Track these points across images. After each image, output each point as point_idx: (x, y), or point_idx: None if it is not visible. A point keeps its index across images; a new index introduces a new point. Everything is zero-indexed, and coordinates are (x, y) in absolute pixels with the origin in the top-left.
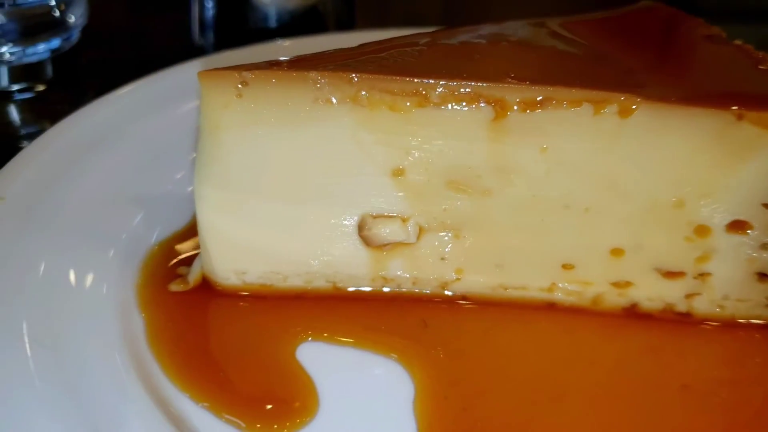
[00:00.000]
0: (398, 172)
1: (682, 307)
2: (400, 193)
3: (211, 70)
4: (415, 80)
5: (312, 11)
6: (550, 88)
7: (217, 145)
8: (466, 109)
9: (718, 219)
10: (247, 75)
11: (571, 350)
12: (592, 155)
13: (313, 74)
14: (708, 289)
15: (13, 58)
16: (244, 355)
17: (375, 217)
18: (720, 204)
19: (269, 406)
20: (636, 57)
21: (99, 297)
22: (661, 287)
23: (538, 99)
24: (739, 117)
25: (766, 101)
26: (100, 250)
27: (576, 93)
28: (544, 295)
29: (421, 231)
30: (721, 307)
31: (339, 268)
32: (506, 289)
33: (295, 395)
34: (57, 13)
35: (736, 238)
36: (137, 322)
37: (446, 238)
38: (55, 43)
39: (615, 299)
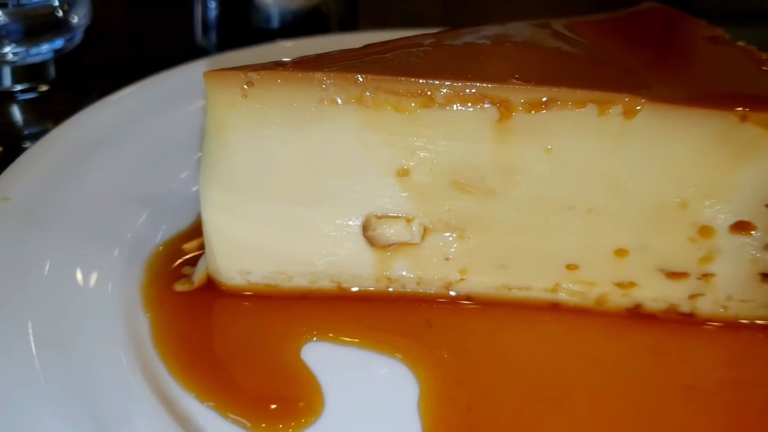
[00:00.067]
0: (403, 173)
1: (685, 307)
2: (405, 194)
3: (216, 70)
4: (420, 81)
5: (315, 12)
6: (554, 89)
7: (222, 145)
8: (471, 109)
9: (722, 220)
10: (253, 75)
11: (575, 350)
12: (596, 156)
13: (318, 75)
14: (711, 289)
15: (16, 58)
16: (249, 354)
17: (379, 218)
18: (724, 205)
19: (274, 406)
20: (640, 58)
21: (104, 296)
22: (665, 288)
23: (543, 100)
24: (743, 118)
25: None
26: (105, 249)
27: (581, 94)
28: (548, 296)
29: (425, 231)
30: (724, 307)
31: (343, 268)
32: (510, 289)
33: (300, 395)
34: (60, 14)
35: (739, 239)
36: (142, 322)
37: (450, 238)
38: (58, 43)
39: (619, 299)
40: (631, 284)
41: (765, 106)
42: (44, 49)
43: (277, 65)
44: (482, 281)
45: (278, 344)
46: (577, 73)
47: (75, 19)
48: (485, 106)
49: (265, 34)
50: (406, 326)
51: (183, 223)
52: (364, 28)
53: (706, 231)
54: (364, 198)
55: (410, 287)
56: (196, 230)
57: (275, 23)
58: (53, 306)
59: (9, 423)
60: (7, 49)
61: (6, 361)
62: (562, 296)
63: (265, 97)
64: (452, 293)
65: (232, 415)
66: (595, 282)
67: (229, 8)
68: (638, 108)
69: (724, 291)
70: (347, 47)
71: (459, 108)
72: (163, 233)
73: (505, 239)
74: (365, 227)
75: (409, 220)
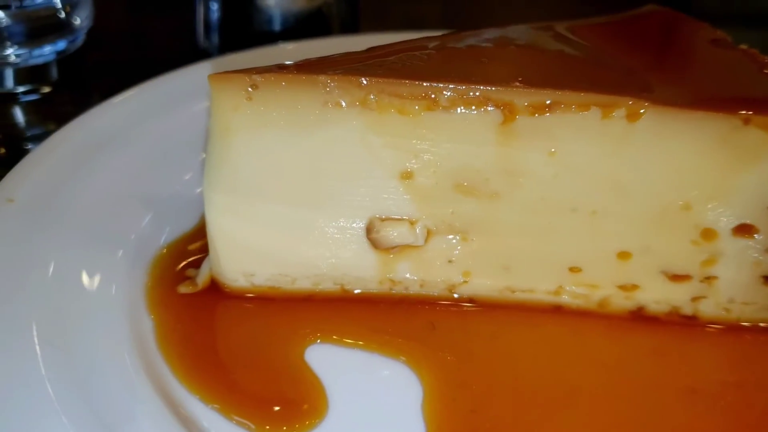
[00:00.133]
0: (407, 175)
1: (688, 310)
2: (408, 196)
3: (221, 73)
4: (424, 84)
5: (316, 14)
6: (558, 92)
7: (226, 147)
8: (474, 112)
9: (725, 222)
10: (257, 78)
11: (577, 352)
12: (599, 159)
13: (322, 78)
14: (714, 292)
15: (19, 60)
16: (253, 356)
17: (383, 220)
18: (726, 207)
19: (278, 408)
20: (642, 61)
21: (108, 298)
22: (668, 290)
23: (547, 103)
24: (746, 121)
25: None
26: (109, 251)
27: (584, 97)
28: (551, 298)
29: (428, 234)
30: (727, 310)
31: (347, 270)
32: (513, 291)
33: (304, 397)
34: (62, 16)
35: (742, 242)
36: (146, 324)
37: (454, 240)
38: (61, 45)
39: (621, 302)
40: (634, 287)
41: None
42: (47, 51)
43: (281, 68)
44: (485, 284)
45: (282, 346)
46: (580, 77)
47: (77, 21)
48: (489, 109)
49: (267, 36)
50: (409, 328)
51: (187, 224)
52: (365, 30)
53: (708, 234)
54: (367, 200)
55: (413, 289)
56: (199, 232)
57: (277, 25)
58: (57, 307)
59: (13, 424)
60: (9, 51)
61: (10, 362)
62: (565, 299)
63: (270, 100)
64: (455, 295)
65: (236, 417)
66: (598, 284)
67: (231, 10)
68: (641, 111)
69: (727, 294)
70: (349, 49)
71: (463, 111)
72: (167, 235)
73: (509, 242)
74: (369, 229)
75: (412, 223)
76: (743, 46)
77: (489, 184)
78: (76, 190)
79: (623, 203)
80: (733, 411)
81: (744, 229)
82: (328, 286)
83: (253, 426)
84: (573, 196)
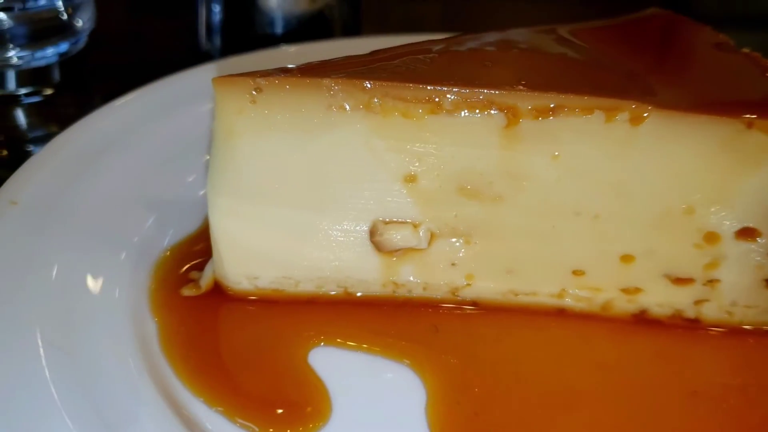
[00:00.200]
0: (410, 179)
1: (690, 313)
2: (412, 199)
3: (225, 76)
4: (428, 87)
5: (318, 17)
6: (562, 96)
7: (230, 150)
8: (478, 116)
9: (728, 226)
10: (261, 81)
11: (580, 355)
12: (602, 162)
13: (326, 81)
14: (717, 295)
15: (21, 62)
16: (257, 359)
17: (387, 223)
18: (729, 211)
19: (282, 411)
20: (645, 64)
21: (111, 300)
22: (671, 293)
23: (550, 106)
24: (749, 125)
25: None
26: (113, 253)
27: (588, 101)
28: (554, 301)
29: (432, 237)
30: (729, 313)
31: (350, 273)
32: (516, 294)
33: (308, 400)
34: (65, 18)
35: (745, 245)
36: (150, 326)
37: (457, 244)
38: (63, 47)
39: (624, 305)
40: (637, 290)
41: None
42: (49, 53)
43: (285, 71)
44: (489, 287)
45: (285, 349)
46: (583, 80)
47: (80, 23)
48: (492, 112)
49: (269, 39)
50: (412, 331)
51: (190, 227)
52: (366, 32)
53: (711, 237)
54: (371, 203)
55: (417, 292)
56: (203, 234)
57: (279, 28)
58: (61, 310)
59: (17, 427)
60: (12, 53)
61: (14, 364)
62: (568, 302)
63: (274, 103)
64: (459, 298)
65: (240, 420)
66: (601, 288)
67: (233, 12)
68: (645, 115)
69: (729, 297)
70: (351, 52)
71: (466, 114)
72: (170, 238)
73: (512, 245)
74: (372, 232)
75: (416, 226)
76: (746, 50)
77: (492, 188)
78: (79, 193)
79: (626, 206)
80: (736, 414)
81: (747, 233)
82: (331, 288)
83: (256, 428)
84: (576, 199)
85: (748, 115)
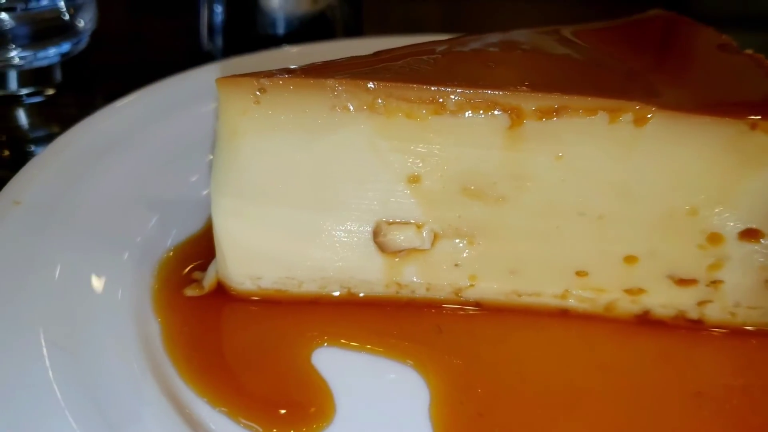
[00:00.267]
0: (414, 179)
1: (694, 314)
2: (416, 200)
3: (229, 76)
4: (432, 88)
5: (320, 17)
6: (566, 97)
7: (234, 151)
8: (482, 117)
9: (731, 227)
10: (265, 82)
11: (584, 356)
12: (606, 163)
13: (330, 82)
14: (720, 296)
15: (23, 62)
16: (260, 359)
17: (390, 224)
18: (733, 212)
19: (285, 411)
20: (648, 65)
21: (114, 301)
22: (674, 294)
23: (554, 107)
24: (753, 126)
25: None
26: (116, 253)
27: (592, 101)
28: (558, 302)
29: (435, 237)
30: (732, 314)
31: (354, 273)
32: (520, 295)
33: (312, 400)
34: (67, 18)
35: (748, 246)
36: (153, 326)
37: (461, 244)
38: (65, 47)
39: (628, 306)
40: (640, 291)
41: None
42: (51, 53)
43: (289, 72)
44: (492, 287)
45: (289, 349)
46: (587, 81)
47: (81, 23)
48: (496, 113)
49: (271, 39)
50: (416, 332)
51: (193, 227)
52: (368, 33)
53: (715, 238)
54: (374, 204)
55: (420, 293)
56: (206, 235)
57: (281, 28)
58: (64, 310)
59: (21, 426)
60: (13, 53)
61: (17, 364)
62: (571, 302)
63: (278, 104)
64: (462, 299)
65: (243, 420)
66: (605, 288)
67: (235, 13)
68: (649, 116)
69: (733, 298)
70: (353, 53)
71: (470, 115)
72: (173, 238)
73: (515, 245)
74: (376, 233)
75: (419, 226)
76: (749, 51)
77: (496, 188)
78: (82, 193)
79: (630, 207)
80: (739, 415)
81: (750, 234)
82: (334, 289)
83: (260, 429)
84: (580, 200)
85: (752, 117)
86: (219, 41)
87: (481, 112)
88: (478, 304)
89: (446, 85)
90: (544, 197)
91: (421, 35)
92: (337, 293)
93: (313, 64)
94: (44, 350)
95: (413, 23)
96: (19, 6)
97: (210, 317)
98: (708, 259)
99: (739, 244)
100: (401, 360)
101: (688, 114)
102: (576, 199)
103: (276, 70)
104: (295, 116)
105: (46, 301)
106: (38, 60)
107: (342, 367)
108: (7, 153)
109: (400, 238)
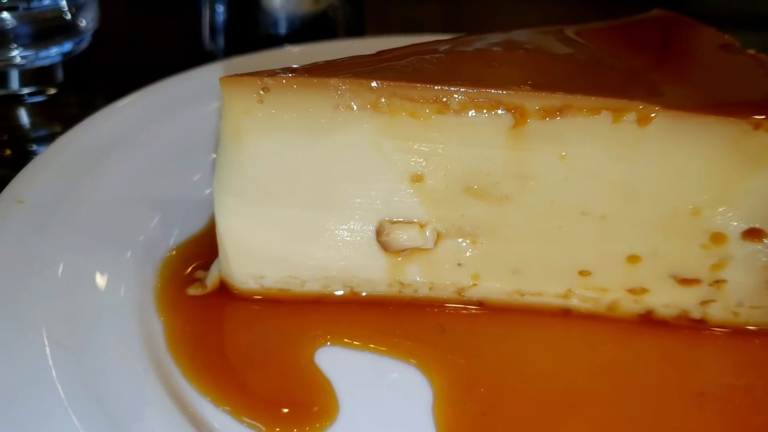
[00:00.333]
0: (417, 179)
1: (696, 313)
2: (419, 199)
3: (233, 75)
4: (435, 87)
5: (322, 17)
6: (569, 96)
7: (237, 150)
8: (485, 116)
9: (734, 227)
10: (269, 81)
11: (586, 356)
12: (610, 163)
13: (334, 81)
14: (723, 296)
15: (25, 61)
16: (263, 358)
17: (393, 223)
18: (736, 212)
19: (288, 410)
20: (651, 65)
21: (117, 299)
22: (677, 294)
23: (558, 107)
24: (756, 126)
25: None
26: (118, 252)
27: (595, 101)
28: (561, 302)
29: (438, 237)
30: (735, 314)
31: (357, 272)
32: (523, 295)
33: (315, 399)
34: (69, 17)
35: (751, 246)
36: (156, 325)
37: (464, 244)
38: (67, 46)
39: (631, 306)
40: (643, 290)
41: None
42: (53, 53)
43: (292, 71)
44: (495, 287)
45: (292, 348)
46: (590, 80)
47: (83, 23)
48: (500, 112)
49: (273, 39)
50: (419, 331)
51: (196, 226)
52: (369, 33)
53: (718, 238)
54: (378, 203)
55: (423, 292)
56: (208, 234)
57: (283, 28)
58: (67, 309)
59: (24, 425)
60: (15, 53)
61: (20, 363)
62: (574, 302)
63: (281, 103)
64: (465, 298)
65: (246, 419)
66: (608, 288)
67: (237, 13)
68: (652, 115)
69: (735, 297)
70: (355, 52)
71: (473, 114)
72: (175, 237)
73: (518, 245)
74: (379, 232)
75: (422, 226)
76: (751, 51)
77: (499, 188)
78: (85, 192)
79: (633, 207)
80: (741, 414)
81: (753, 233)
82: (337, 288)
83: (263, 428)
84: (583, 199)
85: (755, 116)
86: (221, 41)
87: (485, 111)
88: (480, 304)
89: (450, 85)
90: (547, 197)
91: (422, 35)
92: (340, 292)
93: (315, 63)
94: (47, 349)
95: (414, 23)
96: (21, 5)
97: (213, 316)
98: (711, 258)
99: (742, 243)
100: (404, 359)
101: (691, 114)
102: (579, 199)
103: (279, 69)
104: (298, 115)
105: (49, 300)
106: (40, 59)
107: (345, 367)
108: (8, 152)
109: (403, 237)
